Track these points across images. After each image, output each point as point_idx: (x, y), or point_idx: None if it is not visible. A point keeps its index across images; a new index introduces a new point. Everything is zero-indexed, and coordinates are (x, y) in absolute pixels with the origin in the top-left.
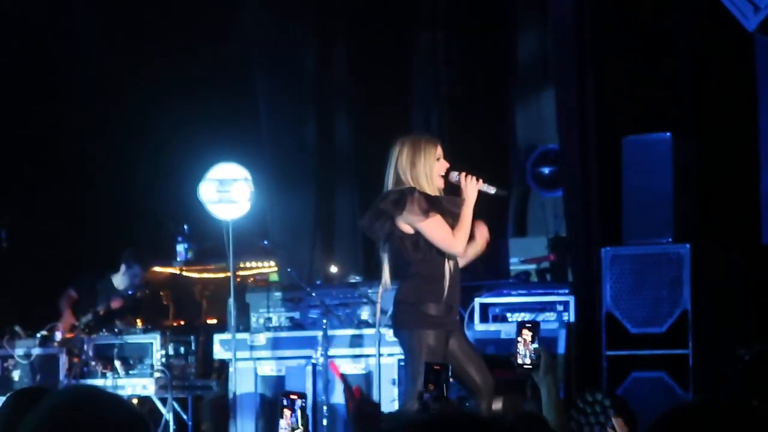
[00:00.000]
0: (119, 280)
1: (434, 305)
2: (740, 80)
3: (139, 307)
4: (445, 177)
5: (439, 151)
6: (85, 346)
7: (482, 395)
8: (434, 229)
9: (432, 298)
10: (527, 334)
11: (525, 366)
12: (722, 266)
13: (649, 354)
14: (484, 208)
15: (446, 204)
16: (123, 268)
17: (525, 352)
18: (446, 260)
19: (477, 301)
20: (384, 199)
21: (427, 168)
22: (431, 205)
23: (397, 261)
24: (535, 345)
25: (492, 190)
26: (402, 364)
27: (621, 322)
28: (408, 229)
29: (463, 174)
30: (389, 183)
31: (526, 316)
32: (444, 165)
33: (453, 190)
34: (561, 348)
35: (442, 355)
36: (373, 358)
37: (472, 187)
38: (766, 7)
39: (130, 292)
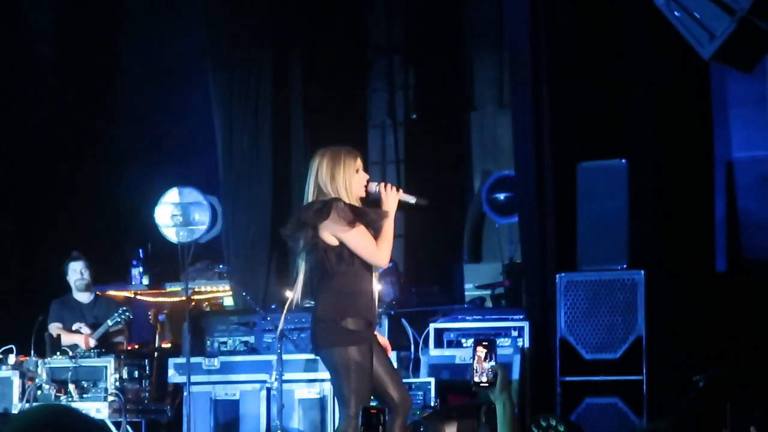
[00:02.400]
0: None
1: (354, 320)
2: (696, 107)
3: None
4: (366, 188)
5: (359, 162)
6: (39, 369)
7: (398, 412)
8: (359, 239)
9: (353, 312)
10: (481, 351)
11: (482, 384)
12: (677, 293)
13: (603, 380)
14: (439, 233)
15: (370, 215)
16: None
17: (480, 370)
18: (370, 274)
19: (432, 326)
20: (308, 209)
21: (346, 179)
22: (355, 215)
23: (318, 274)
24: (492, 362)
25: (412, 199)
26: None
27: (575, 347)
28: (332, 240)
29: (383, 184)
30: (309, 195)
31: None
32: (364, 177)
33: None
34: (515, 373)
35: (369, 370)
36: (327, 382)
37: (392, 197)
38: (722, 35)
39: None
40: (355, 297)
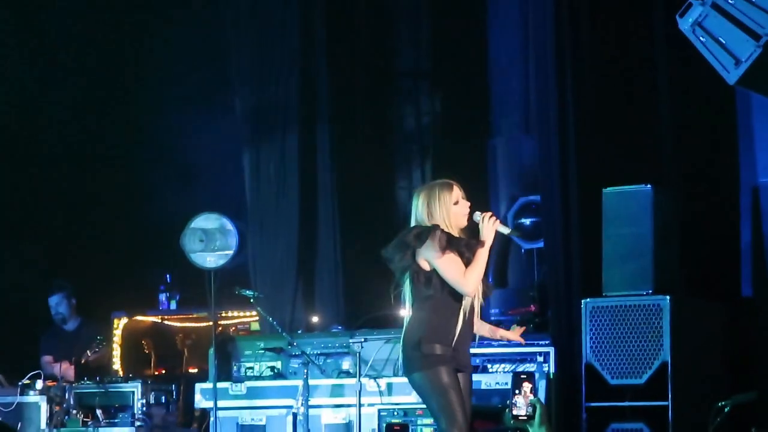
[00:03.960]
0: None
1: (439, 346)
2: (721, 132)
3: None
4: (470, 217)
5: (456, 192)
6: (67, 395)
7: None
8: (447, 265)
9: (436, 339)
10: (526, 386)
11: (521, 417)
12: (702, 318)
13: (628, 405)
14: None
15: (464, 243)
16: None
17: (522, 403)
18: (459, 303)
19: None
20: (408, 233)
21: (443, 213)
22: (449, 242)
23: (413, 295)
24: (531, 396)
25: (507, 230)
26: (383, 413)
27: (600, 373)
28: (425, 265)
29: (486, 214)
30: None
31: (506, 367)
32: (465, 205)
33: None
34: (541, 399)
35: (453, 389)
36: (353, 407)
37: (489, 228)
38: (747, 60)
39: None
40: (442, 322)
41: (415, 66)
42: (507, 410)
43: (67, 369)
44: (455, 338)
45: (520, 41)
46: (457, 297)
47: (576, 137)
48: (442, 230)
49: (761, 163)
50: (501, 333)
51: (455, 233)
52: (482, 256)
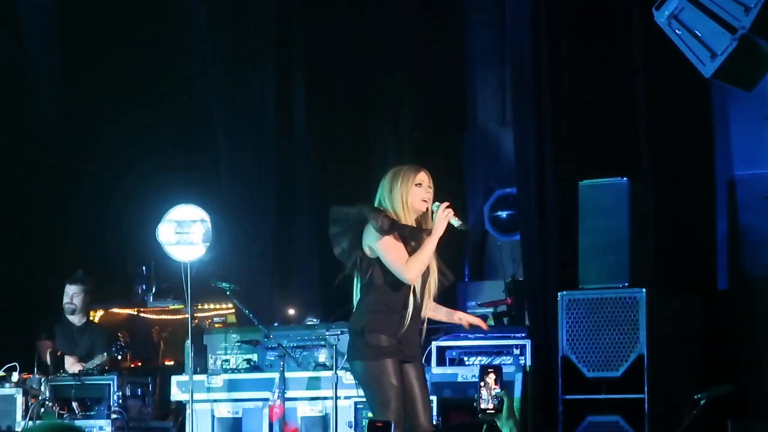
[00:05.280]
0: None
1: (384, 337)
2: (697, 125)
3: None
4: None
5: (420, 176)
6: (42, 387)
7: None
8: (388, 249)
9: (381, 329)
10: (491, 378)
11: (488, 411)
12: (678, 311)
13: (604, 398)
14: (441, 251)
15: (409, 232)
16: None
17: (487, 396)
18: (406, 293)
19: (434, 344)
20: (350, 215)
21: (403, 191)
22: (392, 227)
23: (359, 282)
24: (498, 389)
25: (457, 223)
26: (359, 406)
27: (577, 365)
28: (369, 251)
29: (443, 205)
30: None
31: (483, 360)
32: (428, 190)
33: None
34: (517, 391)
35: (394, 385)
36: (330, 400)
37: (442, 218)
38: (723, 54)
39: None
40: (383, 314)
41: (391, 57)
42: (474, 404)
43: (74, 365)
44: (402, 330)
45: (497, 33)
46: (401, 285)
47: (552, 130)
48: (386, 214)
49: (737, 155)
50: (459, 315)
51: (412, 216)
52: (429, 245)
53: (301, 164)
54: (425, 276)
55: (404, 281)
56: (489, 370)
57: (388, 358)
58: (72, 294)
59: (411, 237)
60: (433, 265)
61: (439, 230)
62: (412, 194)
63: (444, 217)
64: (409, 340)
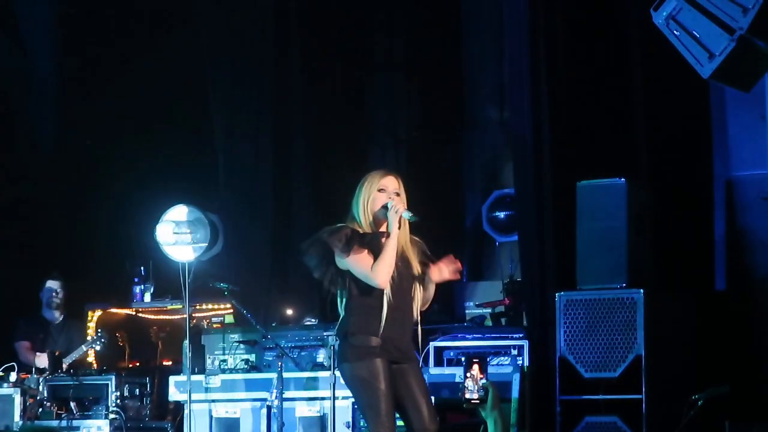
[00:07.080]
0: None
1: (362, 337)
2: (695, 126)
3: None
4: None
5: (385, 181)
6: (41, 387)
7: None
8: (355, 263)
9: (362, 330)
10: (475, 369)
11: (473, 401)
12: (676, 311)
13: (602, 398)
14: (439, 251)
15: (367, 241)
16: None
17: (473, 387)
18: (381, 295)
19: (432, 344)
20: (317, 238)
21: (365, 197)
22: (350, 240)
23: (339, 295)
24: (483, 380)
25: (408, 215)
26: (356, 407)
27: (574, 366)
28: (343, 265)
29: (393, 204)
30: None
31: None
32: (390, 195)
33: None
34: (515, 392)
35: (382, 386)
36: (328, 400)
37: (393, 216)
38: (721, 54)
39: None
40: (367, 315)
41: (390, 57)
42: (459, 394)
43: (39, 357)
44: (381, 328)
45: (495, 34)
46: (379, 291)
47: (550, 131)
48: (343, 229)
49: (735, 156)
50: (438, 267)
51: (374, 222)
52: (389, 247)
53: (299, 164)
54: (402, 273)
55: (376, 286)
56: (474, 360)
57: (375, 358)
58: (56, 288)
59: (371, 243)
60: (410, 255)
61: (394, 229)
62: (372, 200)
63: (394, 213)
64: (395, 340)
